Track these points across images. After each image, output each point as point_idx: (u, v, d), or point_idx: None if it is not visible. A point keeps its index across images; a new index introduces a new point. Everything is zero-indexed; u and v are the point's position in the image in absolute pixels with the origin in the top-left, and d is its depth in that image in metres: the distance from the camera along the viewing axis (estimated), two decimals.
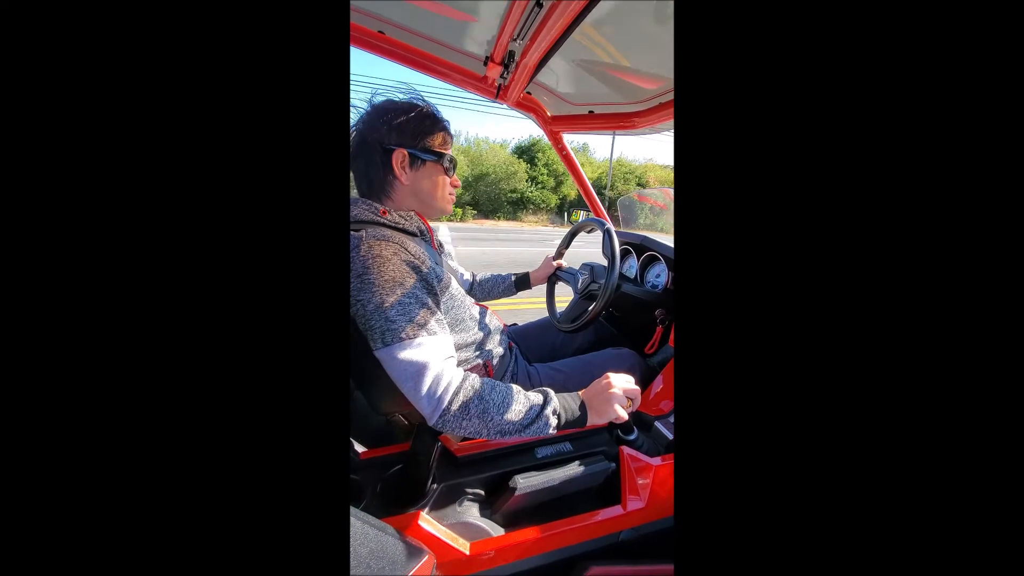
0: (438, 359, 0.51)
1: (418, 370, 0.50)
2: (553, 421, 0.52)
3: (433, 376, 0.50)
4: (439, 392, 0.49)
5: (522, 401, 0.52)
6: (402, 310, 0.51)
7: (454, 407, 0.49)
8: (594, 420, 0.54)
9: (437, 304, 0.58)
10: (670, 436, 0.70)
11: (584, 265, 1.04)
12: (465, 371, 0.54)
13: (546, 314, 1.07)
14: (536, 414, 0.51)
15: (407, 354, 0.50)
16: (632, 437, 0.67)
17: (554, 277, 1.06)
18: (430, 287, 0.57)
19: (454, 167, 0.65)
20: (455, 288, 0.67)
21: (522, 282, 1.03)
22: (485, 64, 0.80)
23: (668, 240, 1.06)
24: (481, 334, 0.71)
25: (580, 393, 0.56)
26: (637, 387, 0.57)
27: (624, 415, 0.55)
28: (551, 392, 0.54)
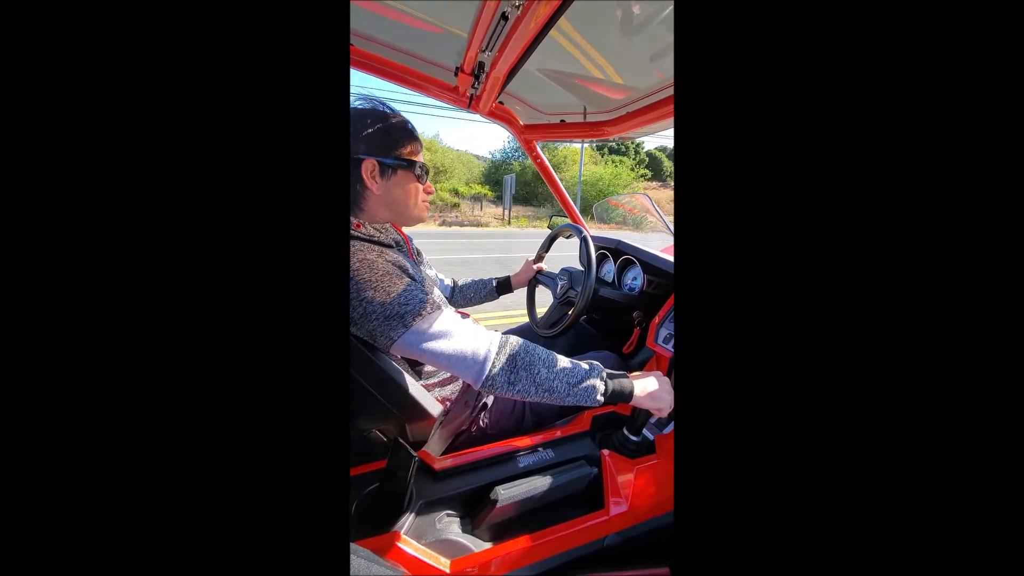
0: (467, 322, 0.51)
1: (455, 333, 0.49)
2: (600, 386, 0.52)
3: (473, 335, 0.50)
4: (483, 349, 0.49)
5: (567, 360, 0.52)
6: (411, 292, 0.51)
7: (501, 362, 0.48)
8: (643, 401, 0.56)
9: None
10: (651, 437, 0.71)
11: (563, 270, 1.05)
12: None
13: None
14: (584, 375, 0.51)
15: (438, 324, 0.49)
16: (638, 439, 0.67)
17: (534, 281, 1.06)
18: (418, 283, 0.56)
19: (426, 174, 0.65)
20: (436, 295, 0.66)
21: (503, 286, 1.03)
22: (456, 75, 0.81)
23: (642, 243, 1.09)
24: None
25: (631, 375, 0.57)
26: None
27: (666, 411, 0.57)
28: (596, 361, 0.55)
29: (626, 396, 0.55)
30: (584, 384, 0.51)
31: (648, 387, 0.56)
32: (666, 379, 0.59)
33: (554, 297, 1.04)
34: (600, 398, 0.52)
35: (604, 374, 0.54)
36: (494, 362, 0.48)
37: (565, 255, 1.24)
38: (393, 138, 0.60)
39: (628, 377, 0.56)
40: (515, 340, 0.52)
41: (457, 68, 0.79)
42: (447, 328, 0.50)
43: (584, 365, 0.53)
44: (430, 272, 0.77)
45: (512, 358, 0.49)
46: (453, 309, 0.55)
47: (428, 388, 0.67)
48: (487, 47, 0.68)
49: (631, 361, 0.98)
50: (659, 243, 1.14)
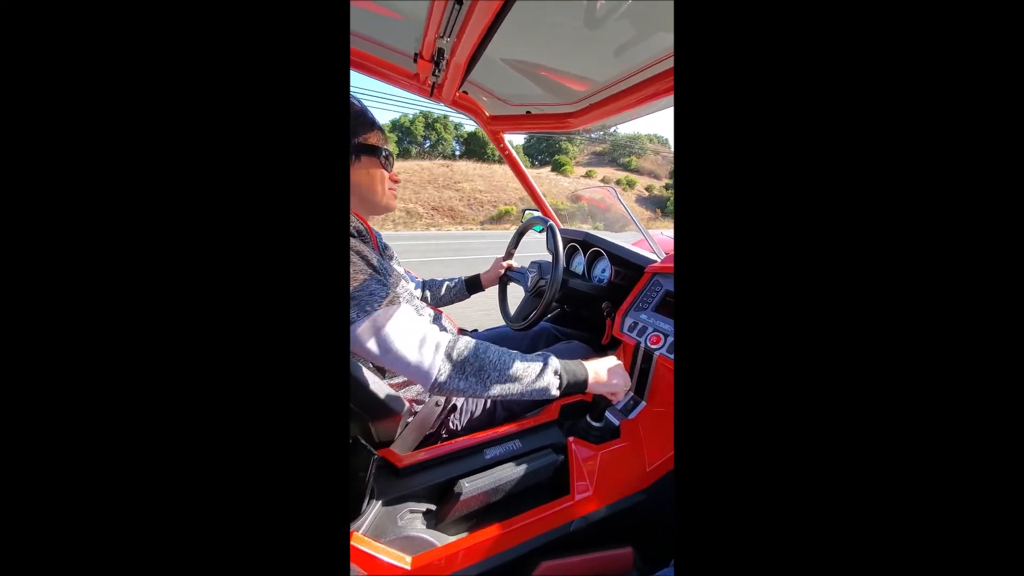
0: (418, 321, 0.49)
1: (400, 336, 0.47)
2: (555, 381, 0.52)
3: (420, 337, 0.48)
4: (430, 353, 0.47)
5: (520, 359, 0.52)
6: (362, 286, 0.49)
7: (448, 366, 0.47)
8: (596, 387, 0.56)
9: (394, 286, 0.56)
10: (616, 422, 0.72)
11: (533, 263, 1.05)
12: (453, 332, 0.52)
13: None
14: (538, 372, 0.51)
15: (380, 326, 0.47)
16: (601, 424, 0.68)
17: (505, 278, 1.06)
18: (380, 275, 0.55)
19: (391, 161, 0.64)
20: (403, 287, 0.65)
21: (473, 285, 1.02)
22: (415, 61, 0.78)
23: (610, 236, 1.10)
24: None
25: (584, 362, 0.57)
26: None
27: (620, 395, 0.58)
28: (551, 355, 0.55)
29: (581, 386, 0.55)
30: (538, 383, 0.51)
31: (600, 373, 0.57)
32: (619, 363, 0.60)
33: (526, 291, 1.03)
34: (556, 392, 0.53)
35: (558, 368, 0.54)
36: (441, 367, 0.47)
37: (538, 254, 1.24)
38: (353, 125, 0.58)
39: (583, 365, 0.56)
40: (465, 342, 0.50)
41: (416, 54, 0.77)
42: (396, 327, 0.48)
43: (538, 362, 0.53)
44: (398, 268, 0.75)
45: (461, 363, 0.48)
46: (413, 307, 0.53)
47: (396, 388, 0.65)
48: (445, 32, 0.66)
49: (605, 353, 1.00)
50: (629, 237, 1.16)
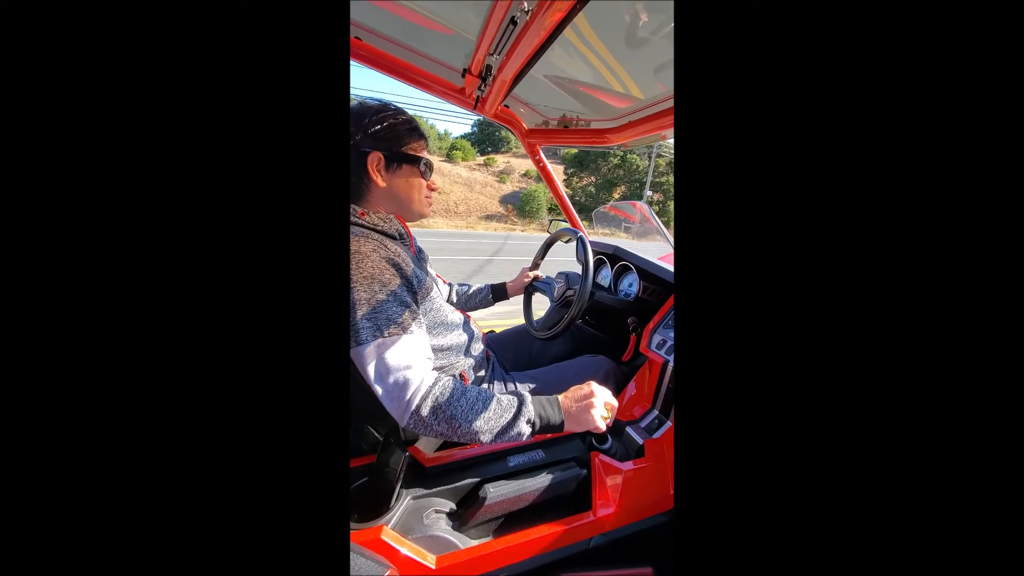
0: (411, 359, 0.51)
1: (389, 371, 0.50)
2: (527, 430, 0.52)
3: (404, 377, 0.50)
4: (408, 395, 0.49)
5: (494, 409, 0.51)
6: (378, 308, 0.51)
7: (423, 411, 0.49)
8: (571, 428, 0.54)
9: (416, 302, 0.58)
10: (640, 441, 0.72)
11: (560, 273, 1.05)
12: (439, 374, 0.53)
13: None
14: (508, 424, 0.51)
15: (380, 354, 0.50)
16: (607, 446, 0.68)
17: (531, 288, 1.07)
18: (409, 285, 0.56)
19: (430, 170, 0.67)
20: (435, 292, 0.67)
21: (499, 292, 1.04)
22: (463, 76, 0.82)
23: (640, 250, 1.10)
24: (460, 340, 0.71)
25: (560, 397, 0.56)
26: (615, 403, 0.57)
27: (602, 426, 0.54)
28: (528, 399, 0.54)
29: (556, 428, 0.54)
30: (509, 433, 0.51)
31: (572, 412, 0.54)
32: (595, 395, 0.55)
33: (551, 301, 1.04)
34: (527, 438, 0.53)
35: (531, 417, 0.52)
36: (416, 410, 0.49)
37: (563, 259, 1.25)
38: (399, 132, 0.61)
39: (558, 409, 0.54)
40: (442, 389, 0.51)
41: (465, 70, 0.80)
42: (389, 360, 0.50)
43: (511, 410, 0.52)
44: (431, 271, 0.78)
45: (434, 410, 0.49)
46: (415, 335, 0.53)
47: None
48: (495, 50, 0.69)
49: (627, 368, 0.99)
50: (657, 251, 1.15)
